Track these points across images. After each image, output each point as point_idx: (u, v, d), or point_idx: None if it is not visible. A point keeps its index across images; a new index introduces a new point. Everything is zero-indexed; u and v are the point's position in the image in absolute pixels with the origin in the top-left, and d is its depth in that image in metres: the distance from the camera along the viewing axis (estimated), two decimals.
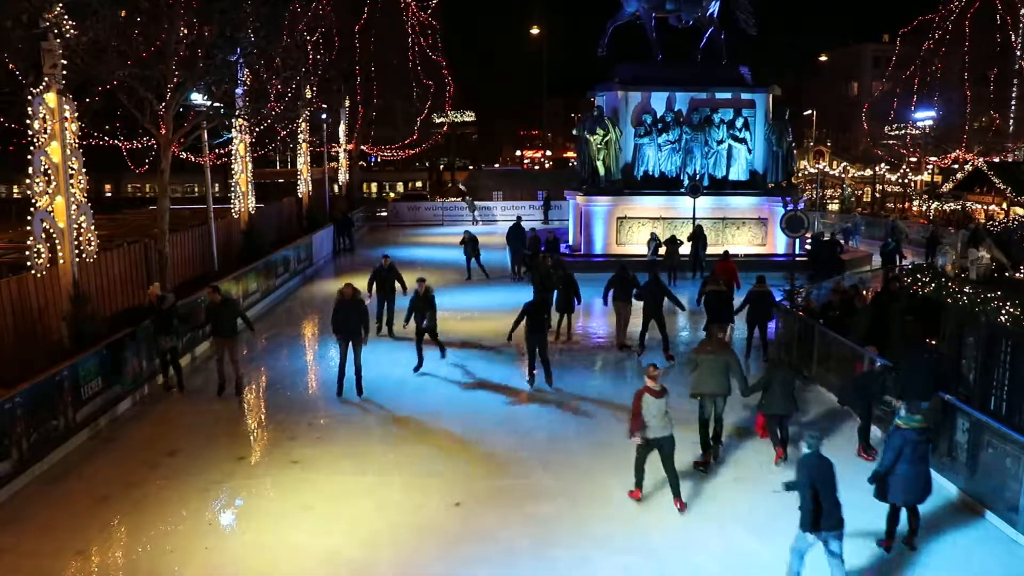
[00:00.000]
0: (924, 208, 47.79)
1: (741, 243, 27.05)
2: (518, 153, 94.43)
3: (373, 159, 61.44)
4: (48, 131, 13.12)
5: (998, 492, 9.41)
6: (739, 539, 9.03)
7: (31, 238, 12.94)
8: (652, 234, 25.30)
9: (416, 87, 45.82)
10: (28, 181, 13.07)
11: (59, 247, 13.36)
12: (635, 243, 26.96)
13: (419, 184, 69.99)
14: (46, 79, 12.97)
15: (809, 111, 64.04)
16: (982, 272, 10.64)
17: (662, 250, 24.51)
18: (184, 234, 19.94)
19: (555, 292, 17.70)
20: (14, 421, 10.07)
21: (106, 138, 18.01)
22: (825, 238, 27.90)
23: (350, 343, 13.39)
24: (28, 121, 12.95)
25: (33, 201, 13.02)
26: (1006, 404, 10.21)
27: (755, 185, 27.65)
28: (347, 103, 41.66)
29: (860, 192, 65.00)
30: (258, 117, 22.50)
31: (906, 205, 54.87)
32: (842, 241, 27.16)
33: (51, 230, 13.26)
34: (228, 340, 13.73)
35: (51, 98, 13.10)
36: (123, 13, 15.11)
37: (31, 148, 12.95)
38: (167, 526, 9.26)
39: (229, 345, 13.77)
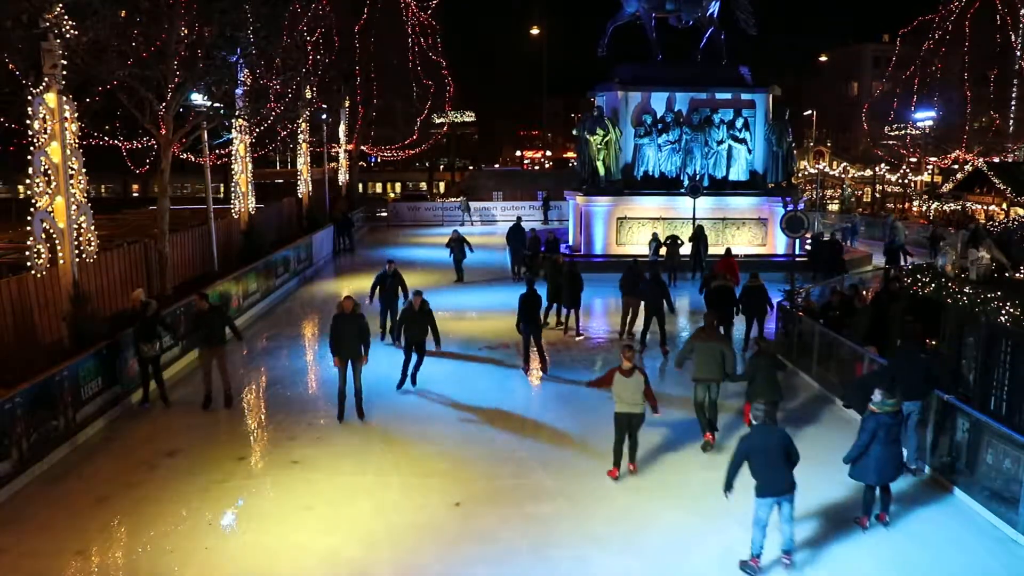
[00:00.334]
0: (924, 208, 47.80)
1: (741, 243, 27.04)
2: (518, 153, 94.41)
3: (373, 159, 61.42)
4: (48, 131, 13.12)
5: (998, 492, 9.42)
6: (738, 540, 9.02)
7: (31, 238, 12.94)
8: (653, 234, 25.31)
9: (416, 87, 45.82)
10: (28, 181, 13.06)
11: (59, 247, 13.36)
12: (635, 243, 26.94)
13: (423, 185, 70.11)
14: (46, 79, 12.97)
15: (809, 111, 64.06)
16: (982, 272, 10.65)
17: (663, 250, 24.53)
18: (184, 234, 19.94)
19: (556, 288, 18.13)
20: (14, 421, 10.07)
21: (106, 138, 18.00)
22: (825, 238, 27.94)
23: (349, 363, 12.49)
24: (28, 121, 12.95)
25: (33, 201, 13.02)
26: (1006, 404, 10.21)
27: (755, 185, 27.64)
28: (347, 103, 41.66)
29: (860, 192, 65.02)
30: (258, 117, 22.50)
31: (906, 205, 54.88)
32: (842, 242, 27.15)
33: (51, 230, 13.26)
34: (216, 349, 13.19)
35: (51, 98, 13.10)
36: (123, 13, 15.10)
37: (31, 148, 12.95)
38: (167, 526, 9.26)
39: (217, 355, 13.22)
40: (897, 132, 54.78)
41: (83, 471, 10.81)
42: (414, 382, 14.08)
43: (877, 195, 60.99)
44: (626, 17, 28.54)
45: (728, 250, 21.02)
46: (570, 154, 75.13)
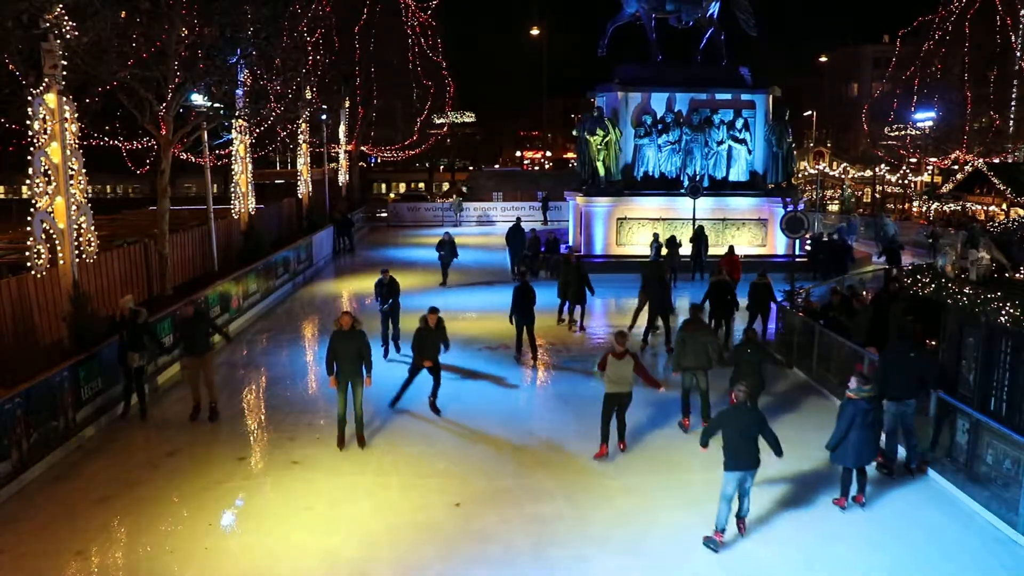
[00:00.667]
0: (924, 209, 47.81)
1: (741, 244, 27.01)
2: (518, 154, 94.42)
3: (373, 160, 61.42)
4: (48, 131, 13.13)
5: (998, 493, 9.42)
6: (738, 540, 9.04)
7: (31, 238, 12.94)
8: (655, 235, 25.29)
9: (416, 88, 45.82)
10: (28, 181, 13.05)
11: (59, 247, 13.36)
12: (635, 244, 26.97)
13: (422, 185, 70.12)
14: (46, 79, 12.97)
15: (809, 111, 64.08)
16: (982, 272, 10.64)
17: (664, 251, 24.53)
18: (184, 235, 19.95)
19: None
20: (14, 421, 10.07)
21: (106, 139, 18.00)
22: (825, 239, 27.96)
23: (349, 385, 11.36)
24: (28, 121, 12.94)
25: (33, 201, 13.02)
26: (1006, 404, 10.20)
27: (755, 186, 27.64)
28: (347, 104, 41.67)
29: (860, 193, 65.03)
30: (258, 118, 22.50)
31: (906, 206, 54.88)
32: (825, 238, 27.19)
33: (51, 230, 13.26)
34: (201, 358, 12.65)
35: (51, 98, 13.10)
36: (123, 13, 15.10)
37: (31, 148, 12.95)
38: (167, 526, 9.26)
39: (203, 364, 12.69)
40: (897, 132, 54.79)
41: (83, 471, 10.82)
42: (436, 411, 12.89)
43: (877, 196, 60.98)
44: (626, 18, 28.54)
45: (731, 248, 21.48)
46: (570, 154, 75.17)
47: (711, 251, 25.07)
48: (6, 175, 42.52)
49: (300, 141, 32.91)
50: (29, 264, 12.94)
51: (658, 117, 27.46)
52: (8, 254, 18.21)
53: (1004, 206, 37.17)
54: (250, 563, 8.55)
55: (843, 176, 62.53)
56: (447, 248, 24.25)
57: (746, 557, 8.70)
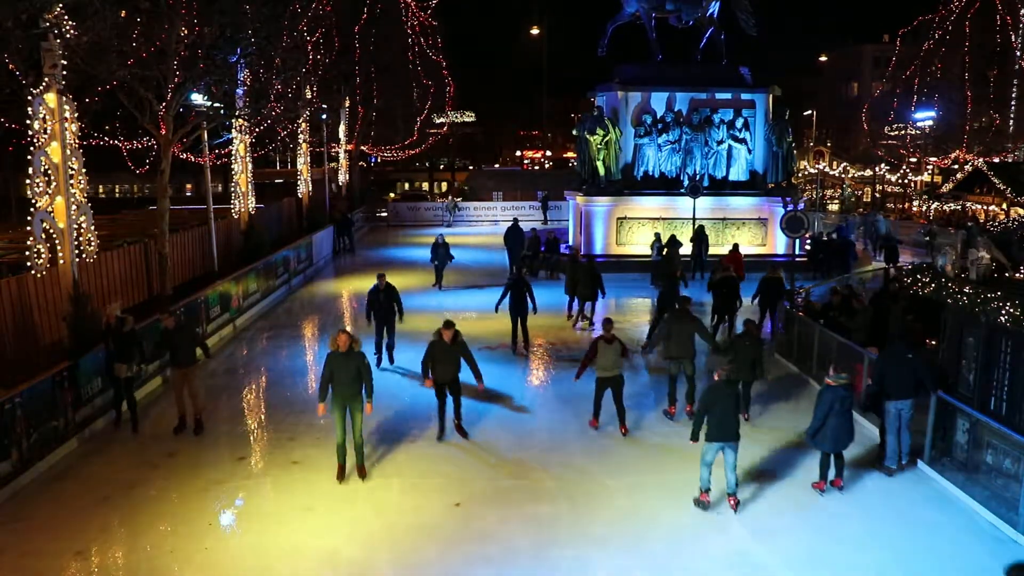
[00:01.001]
0: (924, 208, 47.80)
1: (741, 243, 26.94)
2: (518, 153, 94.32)
3: (373, 159, 61.39)
4: (48, 131, 13.13)
5: (998, 492, 9.42)
6: (739, 541, 9.04)
7: (31, 238, 12.94)
8: (656, 235, 25.27)
9: (416, 87, 45.80)
10: (28, 181, 13.05)
11: (59, 247, 13.36)
12: (635, 243, 26.98)
13: (425, 185, 70.08)
14: (46, 79, 12.97)
15: (809, 111, 64.08)
16: (982, 272, 10.64)
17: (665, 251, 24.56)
18: (184, 234, 19.94)
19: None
20: (14, 421, 10.07)
21: (106, 138, 18.00)
22: (825, 239, 27.98)
23: (347, 410, 10.43)
24: (28, 121, 12.95)
25: (33, 201, 13.01)
26: (1006, 404, 10.21)
27: (755, 185, 27.65)
28: (347, 103, 41.66)
29: (860, 192, 65.03)
30: (258, 117, 22.50)
31: (906, 205, 54.88)
32: (828, 236, 27.22)
33: (51, 230, 13.26)
34: (185, 370, 12.15)
35: (51, 98, 13.10)
36: (123, 13, 15.08)
37: (31, 148, 12.95)
38: (167, 526, 9.26)
39: (187, 375, 12.16)
40: (897, 132, 54.78)
41: (83, 471, 10.82)
42: (463, 434, 11.94)
43: (877, 195, 60.98)
44: (626, 17, 28.55)
45: (735, 246, 21.96)
46: (570, 154, 75.03)
47: (711, 251, 25.09)
48: (6, 175, 42.46)
49: (300, 141, 32.91)
50: (29, 264, 12.94)
51: (658, 117, 27.46)
52: (8, 254, 18.20)
53: (1004, 206, 37.17)
54: (250, 563, 8.55)
55: (843, 176, 62.54)
56: (441, 252, 23.57)
57: (746, 556, 8.71)
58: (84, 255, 14.30)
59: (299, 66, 23.42)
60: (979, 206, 40.17)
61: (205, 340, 14.05)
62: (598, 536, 9.08)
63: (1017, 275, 10.52)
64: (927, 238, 30.42)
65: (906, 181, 54.10)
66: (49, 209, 13.24)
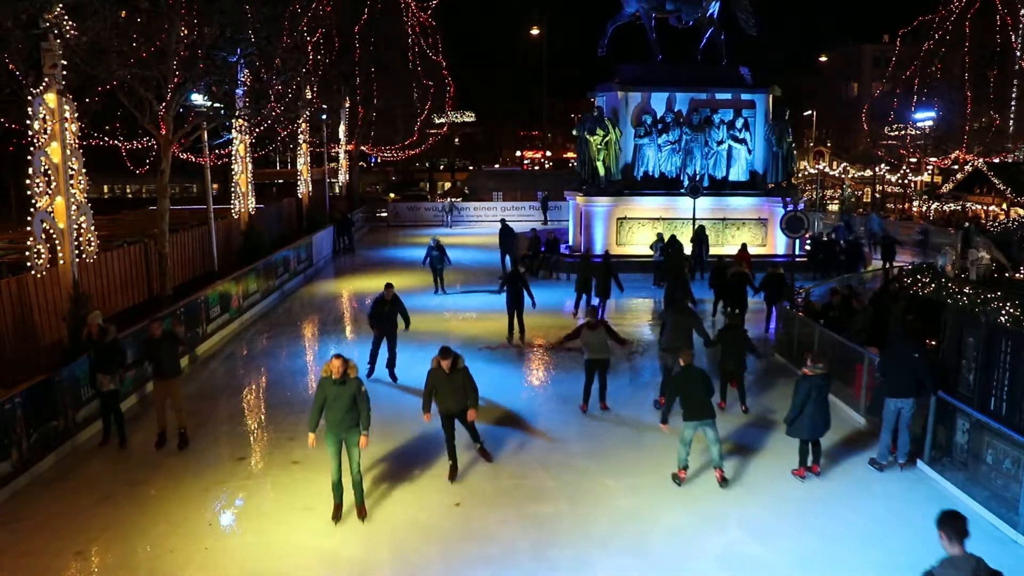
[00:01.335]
0: (924, 209, 47.82)
1: (740, 243, 27.04)
2: (518, 153, 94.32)
3: (373, 160, 61.40)
4: (48, 131, 13.13)
5: (998, 493, 9.42)
6: (739, 541, 9.04)
7: (31, 238, 12.94)
8: (658, 235, 25.27)
9: (416, 87, 45.81)
10: (28, 181, 13.05)
11: (59, 247, 13.36)
12: (635, 243, 26.97)
13: (425, 185, 70.10)
14: (46, 79, 12.98)
15: (809, 111, 64.08)
16: (982, 272, 10.64)
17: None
18: (184, 234, 19.95)
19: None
20: (14, 421, 10.07)
21: (106, 138, 18.01)
22: (825, 239, 27.97)
23: (342, 444, 9.42)
24: (28, 121, 12.95)
25: (33, 201, 13.02)
26: (1006, 404, 10.21)
27: (755, 186, 27.64)
28: (347, 104, 41.67)
29: (860, 193, 65.04)
30: (258, 118, 22.51)
31: (906, 206, 54.89)
32: (840, 241, 27.18)
33: (51, 230, 13.26)
34: (168, 382, 11.58)
35: (51, 98, 13.11)
36: (123, 13, 15.10)
37: (31, 148, 12.95)
38: (167, 526, 9.26)
39: (170, 387, 11.58)
40: (897, 132, 54.79)
41: (83, 471, 10.82)
42: (487, 457, 11.10)
43: (877, 195, 60.99)
44: (626, 17, 28.55)
45: (744, 245, 22.45)
46: (570, 154, 75.03)
47: (711, 251, 25.08)
48: (6, 175, 42.44)
49: (300, 141, 32.92)
50: (29, 264, 12.95)
51: (658, 117, 27.46)
52: (8, 254, 18.22)
53: (1004, 206, 37.18)
54: (250, 563, 8.55)
55: (843, 176, 62.55)
56: (436, 255, 22.75)
57: (746, 556, 8.71)
58: (84, 255, 14.30)
59: (299, 66, 23.43)
60: (979, 206, 40.18)
61: (191, 344, 13.23)
62: (598, 536, 9.08)
63: (1017, 275, 10.52)
64: (920, 237, 30.74)
65: (906, 181, 54.11)
66: (49, 209, 13.25)
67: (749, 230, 27.51)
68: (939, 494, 10.14)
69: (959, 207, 41.82)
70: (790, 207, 24.44)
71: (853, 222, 33.75)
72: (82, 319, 13.22)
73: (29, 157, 12.98)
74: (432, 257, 22.76)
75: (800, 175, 57.58)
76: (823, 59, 69.23)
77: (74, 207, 13.67)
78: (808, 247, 26.59)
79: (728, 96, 27.63)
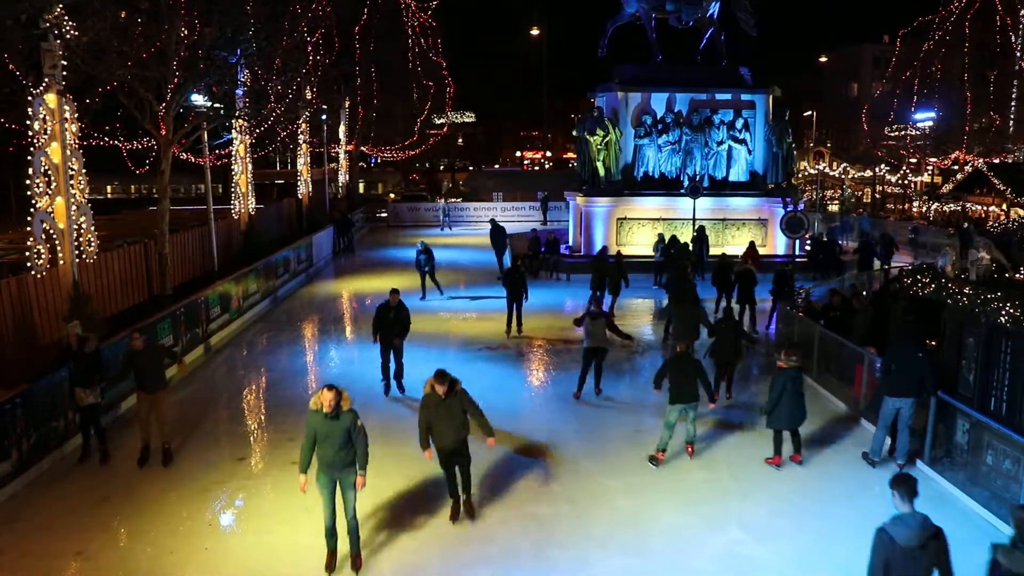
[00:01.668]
0: (924, 209, 47.82)
1: (741, 244, 26.97)
2: (518, 154, 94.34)
3: (373, 160, 61.40)
4: (48, 132, 13.13)
5: (998, 493, 9.42)
6: (738, 541, 9.04)
7: (31, 238, 12.95)
8: (660, 235, 25.27)
9: (416, 88, 45.82)
10: (28, 182, 13.06)
11: (59, 248, 13.36)
12: (635, 244, 26.97)
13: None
14: (46, 79, 12.98)
15: (809, 111, 64.06)
16: (982, 273, 10.64)
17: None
18: (184, 235, 19.95)
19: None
20: (14, 421, 10.07)
21: (106, 139, 18.03)
22: (825, 239, 27.97)
23: (336, 486, 8.33)
24: (28, 122, 12.96)
25: (33, 202, 13.02)
26: (1006, 404, 10.20)
27: (755, 186, 27.65)
28: (347, 104, 41.67)
29: (860, 193, 65.02)
30: (258, 118, 22.52)
31: (906, 206, 54.88)
32: (841, 242, 27.22)
33: (51, 231, 13.26)
34: (152, 395, 10.91)
35: (51, 99, 13.11)
36: (123, 13, 15.11)
37: (31, 148, 12.95)
38: (167, 527, 9.26)
39: (153, 401, 10.94)
40: (897, 132, 54.77)
41: (83, 471, 10.80)
42: (471, 512, 9.42)
43: (877, 196, 60.98)
44: (626, 18, 28.57)
45: (752, 243, 22.77)
46: (570, 154, 75.07)
47: (711, 251, 25.07)
48: (6, 175, 42.43)
49: (300, 141, 32.93)
50: (29, 264, 12.95)
51: (658, 117, 27.48)
52: (8, 254, 18.22)
53: (1004, 206, 37.18)
54: (250, 563, 8.54)
55: (843, 176, 62.53)
56: (424, 258, 21.97)
57: (745, 556, 8.71)
58: (84, 255, 14.31)
59: (299, 67, 23.44)
60: (979, 207, 40.18)
61: (177, 353, 12.38)
62: (598, 536, 9.07)
63: (1017, 275, 10.53)
64: (912, 235, 30.91)
65: (906, 182, 54.10)
66: (49, 209, 13.25)
67: (749, 230, 27.51)
68: (939, 494, 10.13)
69: (959, 207, 41.81)
70: (790, 207, 24.48)
71: (851, 222, 33.79)
72: (82, 319, 13.22)
73: (29, 157, 12.99)
74: (419, 261, 22.02)
75: (800, 175, 57.57)
76: (823, 59, 69.21)
77: (74, 207, 13.67)
78: (808, 247, 26.59)
79: (728, 96, 27.65)
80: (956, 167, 44.97)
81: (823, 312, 15.51)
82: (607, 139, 26.95)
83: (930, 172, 53.06)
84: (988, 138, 44.97)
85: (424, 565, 8.53)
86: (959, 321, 10.95)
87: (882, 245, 25.74)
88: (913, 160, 52.70)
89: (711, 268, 21.24)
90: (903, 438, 10.70)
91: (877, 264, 25.60)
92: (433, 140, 52.44)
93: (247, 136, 23.94)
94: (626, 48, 32.27)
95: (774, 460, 10.84)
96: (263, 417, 13.50)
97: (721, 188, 27.49)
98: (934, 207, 45.32)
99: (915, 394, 10.49)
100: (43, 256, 13.02)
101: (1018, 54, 43.43)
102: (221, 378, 15.57)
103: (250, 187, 24.83)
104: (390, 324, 13.60)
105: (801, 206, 25.66)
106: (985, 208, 39.51)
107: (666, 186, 27.45)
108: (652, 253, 24.67)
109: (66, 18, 13.01)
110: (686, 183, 26.89)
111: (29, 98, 12.83)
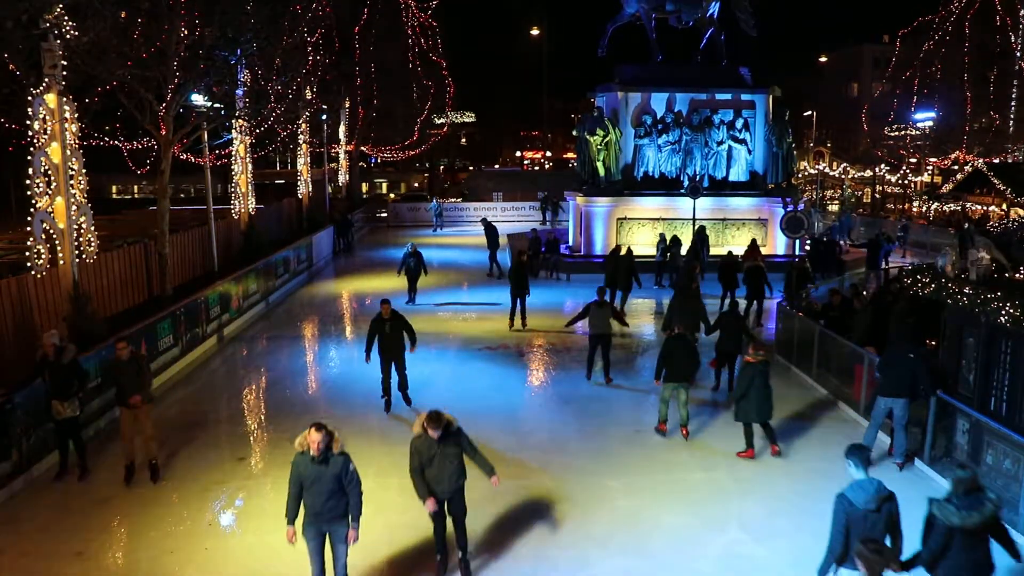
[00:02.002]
0: (924, 209, 47.81)
1: (741, 244, 26.96)
2: (518, 154, 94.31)
3: (373, 160, 61.38)
4: (48, 132, 13.13)
5: (998, 493, 9.41)
6: (738, 542, 9.04)
7: (31, 238, 12.94)
8: (661, 235, 25.25)
9: (416, 88, 45.80)
10: (28, 181, 13.05)
11: (59, 248, 13.36)
12: (635, 244, 26.93)
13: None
14: (46, 79, 12.98)
15: (809, 111, 64.07)
16: (982, 273, 10.64)
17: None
18: (184, 235, 19.95)
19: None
20: (14, 421, 10.07)
21: (106, 139, 18.02)
22: (826, 239, 27.94)
23: (326, 538, 7.47)
24: (28, 122, 12.95)
25: (33, 202, 13.01)
26: (1006, 404, 10.20)
27: (755, 186, 27.66)
28: (347, 104, 41.66)
29: (860, 193, 65.03)
30: (258, 118, 22.51)
31: (906, 206, 54.88)
32: (841, 242, 27.19)
33: (51, 231, 13.26)
34: (135, 409, 10.32)
35: (51, 99, 13.11)
36: (123, 13, 15.10)
37: (31, 148, 12.95)
38: (167, 527, 9.26)
39: (137, 415, 10.35)
40: (897, 132, 54.77)
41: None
42: (466, 572, 8.25)
43: (877, 196, 60.98)
44: (626, 18, 28.58)
45: (754, 240, 22.74)
46: (570, 154, 75.03)
47: (711, 252, 25.08)
48: (6, 175, 42.44)
49: (300, 141, 32.92)
50: (29, 264, 12.94)
51: (658, 117, 27.47)
52: (8, 254, 18.22)
53: (1004, 206, 37.18)
54: (250, 563, 8.55)
55: (843, 176, 62.53)
56: (412, 263, 21.12)
57: (745, 556, 8.71)
58: (84, 255, 14.30)
59: (299, 67, 23.43)
60: (979, 206, 40.17)
61: (151, 380, 11.25)
62: (598, 536, 9.07)
63: (1017, 275, 10.53)
64: (900, 233, 31.02)
65: (906, 182, 54.11)
66: (49, 209, 13.25)
67: (749, 230, 27.49)
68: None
69: (959, 207, 41.80)
70: (790, 207, 24.47)
71: (847, 223, 33.77)
72: (83, 319, 13.25)
73: (29, 157, 12.98)
74: (408, 265, 21.10)
75: (800, 175, 57.57)
76: (823, 59, 69.20)
77: (74, 207, 13.67)
78: (808, 247, 26.57)
79: (728, 96, 27.65)
80: (956, 167, 44.97)
81: (823, 312, 15.51)
82: (607, 139, 26.95)
83: (930, 172, 53.06)
84: (988, 138, 44.99)
85: (423, 565, 8.48)
86: (959, 321, 10.96)
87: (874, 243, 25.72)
88: (913, 160, 52.70)
89: (711, 268, 21.27)
90: (899, 438, 10.73)
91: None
92: (433, 140, 52.38)
93: (247, 136, 23.93)
94: (626, 48, 32.30)
95: (746, 453, 11.07)
96: (263, 417, 13.50)
97: (721, 188, 27.49)
98: (934, 207, 45.30)
99: (907, 394, 10.51)
100: (43, 256, 13.01)
101: (1018, 54, 43.45)
102: (221, 378, 15.57)
103: (250, 187, 24.82)
104: (389, 338, 12.63)
105: (801, 206, 25.63)
106: (985, 208, 39.50)
107: (666, 186, 27.46)
108: (654, 253, 24.68)
109: (66, 18, 13.01)
110: (686, 183, 26.88)
111: (29, 98, 12.82)
